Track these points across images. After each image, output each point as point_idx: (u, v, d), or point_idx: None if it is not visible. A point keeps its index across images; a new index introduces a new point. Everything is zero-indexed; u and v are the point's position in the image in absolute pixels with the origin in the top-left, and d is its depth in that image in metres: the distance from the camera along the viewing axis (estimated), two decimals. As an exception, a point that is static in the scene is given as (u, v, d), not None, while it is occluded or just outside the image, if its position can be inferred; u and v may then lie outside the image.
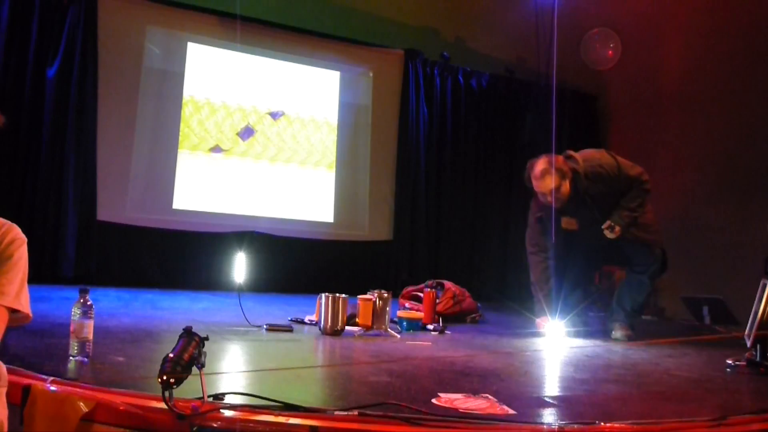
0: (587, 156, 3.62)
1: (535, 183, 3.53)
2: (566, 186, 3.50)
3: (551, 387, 2.06)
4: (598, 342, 3.43)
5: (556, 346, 3.20)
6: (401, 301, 4.07)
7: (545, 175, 3.47)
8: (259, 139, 5.53)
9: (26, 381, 1.54)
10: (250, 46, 5.45)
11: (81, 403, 1.42)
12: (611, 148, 6.77)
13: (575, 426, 1.52)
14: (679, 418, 1.66)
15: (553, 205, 3.54)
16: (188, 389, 1.46)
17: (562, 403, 1.84)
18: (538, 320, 3.64)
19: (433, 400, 1.71)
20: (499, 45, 6.59)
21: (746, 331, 2.71)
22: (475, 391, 1.85)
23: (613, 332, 3.62)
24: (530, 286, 3.78)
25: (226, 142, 5.41)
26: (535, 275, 3.71)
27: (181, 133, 5.23)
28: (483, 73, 6.42)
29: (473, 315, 4.01)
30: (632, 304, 3.67)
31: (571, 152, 3.64)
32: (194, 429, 1.37)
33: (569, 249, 3.73)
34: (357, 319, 3.05)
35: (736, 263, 5.04)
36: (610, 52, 6.41)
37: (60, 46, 4.72)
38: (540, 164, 3.51)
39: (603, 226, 3.53)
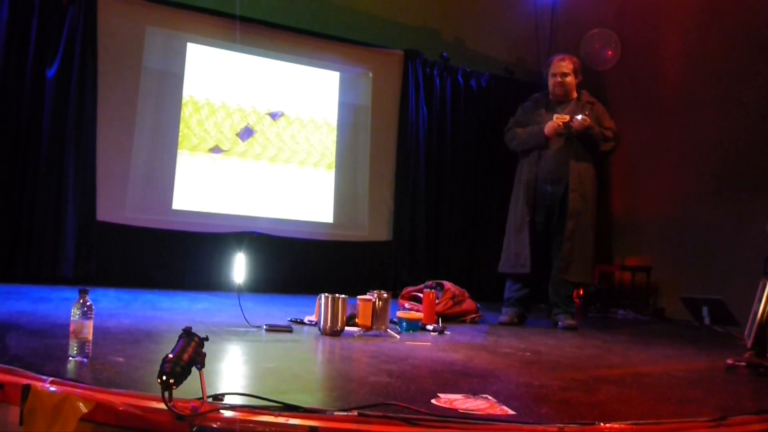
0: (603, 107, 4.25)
1: (555, 60, 4.17)
2: (573, 79, 4.11)
3: (551, 387, 2.06)
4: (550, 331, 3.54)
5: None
6: (401, 301, 4.07)
7: (565, 60, 4.13)
8: (259, 139, 5.53)
9: (26, 381, 1.54)
10: (250, 46, 5.45)
11: (80, 404, 1.42)
12: (611, 148, 6.80)
13: (575, 426, 1.52)
14: (679, 418, 1.66)
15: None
16: (188, 389, 1.46)
17: (562, 403, 1.84)
18: (556, 117, 3.98)
19: (433, 401, 1.71)
20: (498, 45, 6.59)
21: (746, 331, 2.71)
22: (474, 392, 1.84)
23: (559, 323, 3.99)
24: (520, 148, 4.21)
25: (225, 142, 5.41)
26: (516, 137, 4.20)
27: (180, 134, 5.23)
28: (483, 73, 6.42)
29: (473, 315, 4.00)
30: (565, 297, 4.10)
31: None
32: (194, 429, 1.37)
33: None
34: (357, 320, 3.05)
35: (736, 263, 5.04)
36: (610, 52, 6.41)
37: (60, 47, 4.72)
38: (566, 54, 4.22)
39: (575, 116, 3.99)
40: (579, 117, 3.94)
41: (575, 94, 4.15)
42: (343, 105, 5.90)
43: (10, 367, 1.64)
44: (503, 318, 4.06)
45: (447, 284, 4.01)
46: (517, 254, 4.07)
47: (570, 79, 4.10)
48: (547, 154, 4.05)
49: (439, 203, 6.12)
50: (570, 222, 3.96)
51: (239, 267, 3.24)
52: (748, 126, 5.30)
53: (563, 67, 4.10)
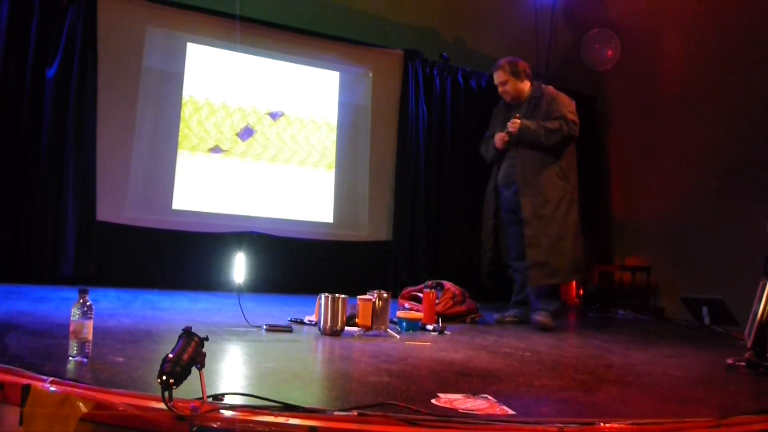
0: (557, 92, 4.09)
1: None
2: (515, 84, 4.04)
3: (551, 387, 2.06)
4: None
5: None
6: (401, 301, 4.07)
7: (497, 71, 4.08)
8: (259, 139, 5.53)
9: (26, 381, 1.54)
10: (250, 46, 5.45)
11: (80, 404, 1.42)
12: (610, 148, 6.82)
13: (575, 426, 1.52)
14: (679, 418, 1.66)
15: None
16: (188, 389, 1.46)
17: (562, 403, 1.84)
18: (510, 125, 3.96)
19: (433, 401, 1.71)
20: (498, 45, 6.57)
21: (746, 331, 2.71)
22: (474, 392, 1.84)
23: (532, 320, 3.92)
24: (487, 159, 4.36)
25: (225, 142, 5.41)
26: (485, 153, 4.36)
27: (180, 134, 5.23)
28: (483, 73, 6.42)
29: (473, 315, 4.01)
30: (544, 294, 3.99)
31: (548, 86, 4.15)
32: (194, 429, 1.37)
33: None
34: (356, 320, 3.05)
35: (736, 263, 5.04)
36: (610, 52, 6.41)
37: (60, 47, 4.71)
38: (504, 59, 4.11)
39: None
40: (509, 123, 4.00)
41: (526, 94, 4.11)
42: (343, 105, 5.90)
43: (10, 367, 1.64)
44: (496, 315, 4.20)
45: (447, 284, 4.01)
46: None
47: (509, 86, 4.06)
48: (503, 162, 4.18)
49: (439, 203, 6.12)
50: (528, 228, 3.91)
51: (239, 267, 3.24)
52: (748, 126, 5.30)
53: (496, 77, 4.11)
